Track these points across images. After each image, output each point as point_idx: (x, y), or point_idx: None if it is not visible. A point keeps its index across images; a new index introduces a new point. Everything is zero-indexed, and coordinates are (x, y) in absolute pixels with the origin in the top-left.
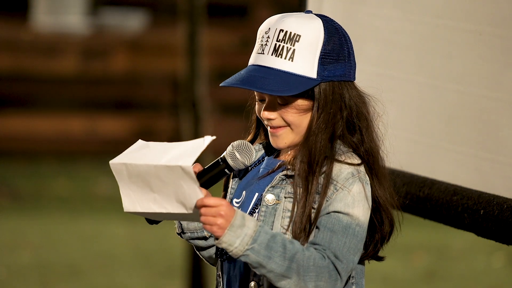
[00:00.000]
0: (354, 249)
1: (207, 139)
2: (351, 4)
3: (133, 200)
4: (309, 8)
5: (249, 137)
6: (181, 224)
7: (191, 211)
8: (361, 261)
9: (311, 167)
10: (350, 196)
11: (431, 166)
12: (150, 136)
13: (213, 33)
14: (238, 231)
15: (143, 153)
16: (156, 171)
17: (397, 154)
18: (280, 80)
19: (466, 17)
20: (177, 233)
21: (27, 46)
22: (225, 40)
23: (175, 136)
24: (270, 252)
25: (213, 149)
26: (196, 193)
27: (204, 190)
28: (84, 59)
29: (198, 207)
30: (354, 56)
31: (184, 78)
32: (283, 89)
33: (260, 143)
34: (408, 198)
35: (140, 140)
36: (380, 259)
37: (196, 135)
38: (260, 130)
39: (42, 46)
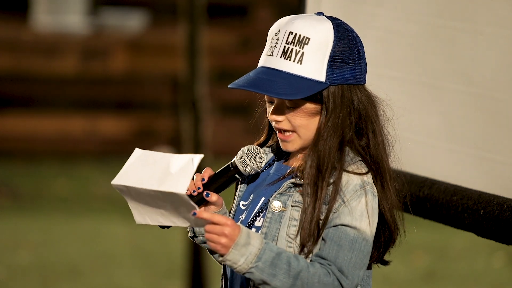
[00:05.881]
0: (360, 264)
1: (196, 160)
2: (351, 3)
3: (142, 213)
4: (308, 8)
5: (262, 139)
6: (193, 228)
7: (197, 226)
8: (368, 266)
9: (321, 171)
10: (358, 209)
11: (431, 166)
12: (150, 136)
13: (213, 33)
14: (243, 250)
15: (141, 171)
16: (156, 194)
17: (397, 154)
18: (287, 83)
19: (466, 17)
20: (190, 237)
21: (27, 46)
22: (225, 40)
23: (175, 136)
24: (275, 270)
25: (213, 149)
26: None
27: (215, 195)
28: (84, 59)
29: (204, 222)
30: (365, 59)
31: (184, 78)
32: (290, 92)
33: (270, 146)
34: (408, 198)
35: (137, 149)
36: (386, 263)
37: (196, 135)
38: (273, 132)
39: (42, 46)
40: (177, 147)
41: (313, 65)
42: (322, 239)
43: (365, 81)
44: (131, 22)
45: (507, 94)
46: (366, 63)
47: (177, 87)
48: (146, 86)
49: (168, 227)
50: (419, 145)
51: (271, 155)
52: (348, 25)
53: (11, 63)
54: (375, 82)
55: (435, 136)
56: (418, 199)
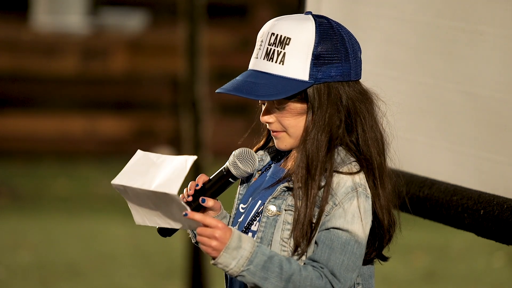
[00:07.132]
0: (353, 267)
1: (189, 161)
2: (351, 4)
3: (141, 214)
4: (308, 8)
5: (261, 142)
6: (195, 234)
7: (191, 228)
8: (369, 262)
9: (309, 171)
10: (350, 212)
11: (431, 166)
12: (150, 136)
13: (213, 33)
14: (234, 253)
15: (139, 171)
16: (150, 194)
17: (396, 154)
18: (270, 84)
19: (466, 17)
20: (194, 243)
21: (27, 46)
22: (225, 40)
23: (175, 136)
24: (267, 273)
25: (213, 149)
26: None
27: (211, 200)
28: (84, 59)
29: (197, 224)
30: (356, 55)
31: (184, 78)
32: (272, 93)
33: (269, 148)
34: (408, 198)
35: (139, 150)
36: (385, 259)
37: (196, 135)
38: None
39: (42, 46)
40: (177, 147)
41: (296, 64)
42: (315, 242)
43: (357, 77)
44: (131, 22)
45: (507, 94)
46: (358, 59)
47: (177, 87)
48: (146, 86)
49: (169, 235)
50: (419, 145)
51: (270, 157)
52: (336, 23)
53: (11, 63)
54: (375, 82)
55: (434, 136)
56: (418, 199)
